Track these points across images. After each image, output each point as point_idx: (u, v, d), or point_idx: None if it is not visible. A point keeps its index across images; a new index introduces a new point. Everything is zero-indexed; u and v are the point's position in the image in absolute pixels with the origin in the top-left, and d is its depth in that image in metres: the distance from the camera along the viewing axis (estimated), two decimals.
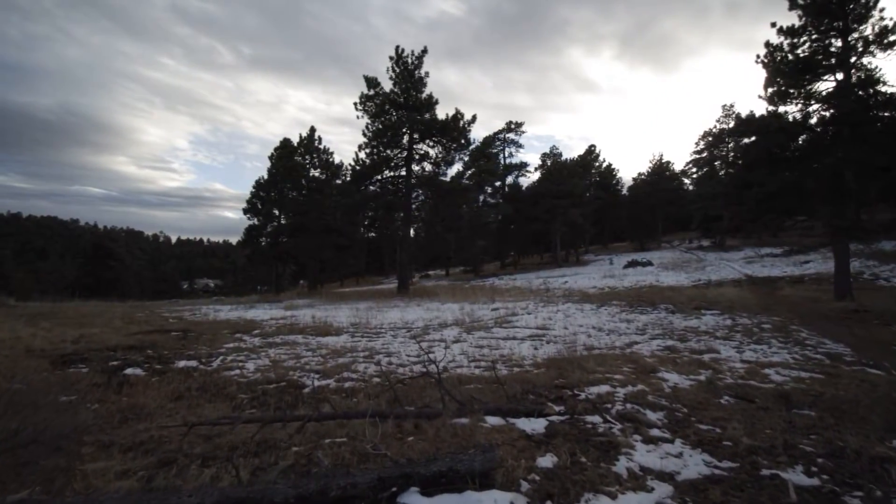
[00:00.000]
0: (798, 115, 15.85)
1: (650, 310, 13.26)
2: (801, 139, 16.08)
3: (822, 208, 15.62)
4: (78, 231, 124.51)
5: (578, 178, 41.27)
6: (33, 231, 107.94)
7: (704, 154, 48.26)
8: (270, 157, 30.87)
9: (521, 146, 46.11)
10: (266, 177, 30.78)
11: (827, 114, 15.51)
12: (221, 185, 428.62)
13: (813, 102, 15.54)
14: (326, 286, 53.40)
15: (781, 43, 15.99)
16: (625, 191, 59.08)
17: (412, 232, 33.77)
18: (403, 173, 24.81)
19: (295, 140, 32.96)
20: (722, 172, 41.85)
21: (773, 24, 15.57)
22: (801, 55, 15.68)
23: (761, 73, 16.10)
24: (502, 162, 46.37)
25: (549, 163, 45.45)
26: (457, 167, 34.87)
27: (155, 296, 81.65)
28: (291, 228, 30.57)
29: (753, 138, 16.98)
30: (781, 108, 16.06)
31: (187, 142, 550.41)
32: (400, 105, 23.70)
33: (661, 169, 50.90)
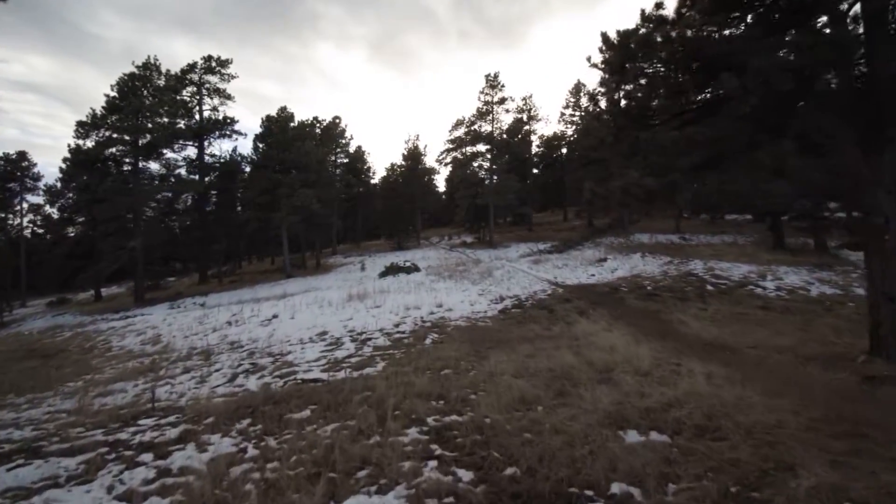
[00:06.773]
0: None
1: None
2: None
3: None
4: None
5: (312, 141, 28.80)
6: None
7: (459, 143, 42.79)
8: None
9: (229, 97, 30.58)
10: None
11: None
12: None
13: None
14: None
15: None
16: (376, 180, 50.05)
17: None
18: None
19: None
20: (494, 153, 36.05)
21: None
22: None
23: None
24: (198, 117, 29.90)
25: (273, 129, 31.48)
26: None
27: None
28: None
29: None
30: None
31: None
32: None
33: (416, 153, 43.29)
